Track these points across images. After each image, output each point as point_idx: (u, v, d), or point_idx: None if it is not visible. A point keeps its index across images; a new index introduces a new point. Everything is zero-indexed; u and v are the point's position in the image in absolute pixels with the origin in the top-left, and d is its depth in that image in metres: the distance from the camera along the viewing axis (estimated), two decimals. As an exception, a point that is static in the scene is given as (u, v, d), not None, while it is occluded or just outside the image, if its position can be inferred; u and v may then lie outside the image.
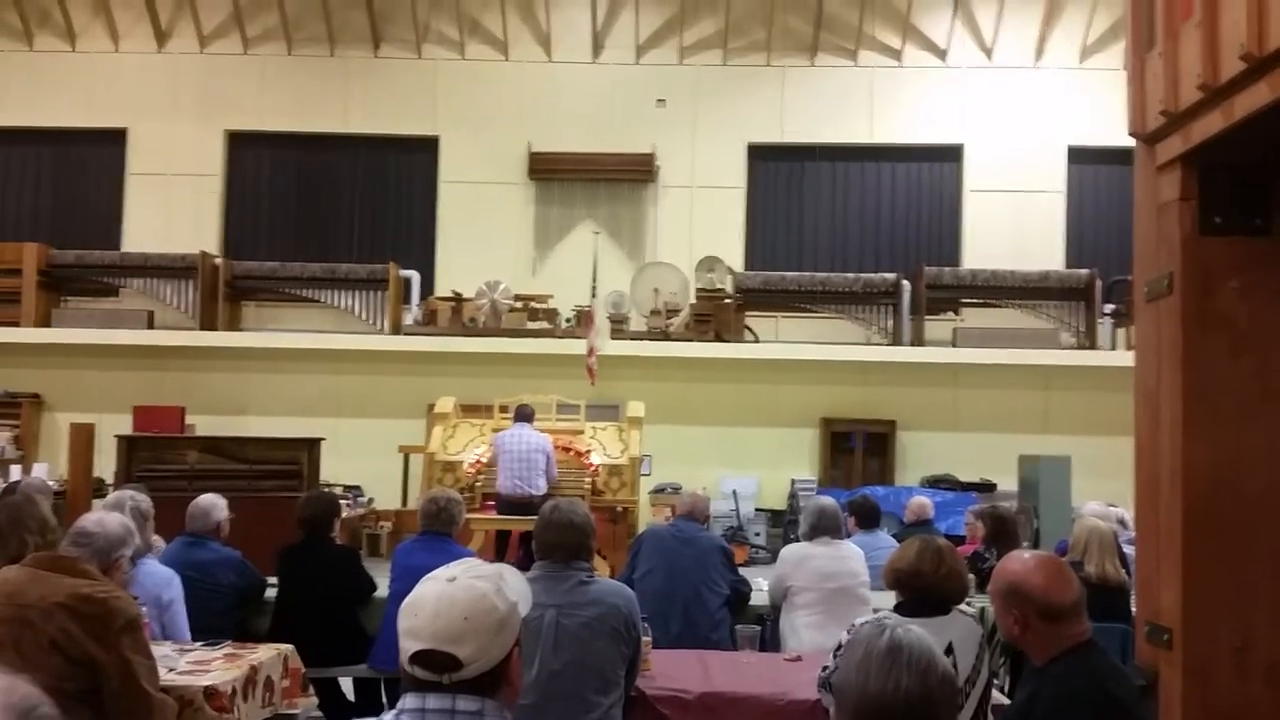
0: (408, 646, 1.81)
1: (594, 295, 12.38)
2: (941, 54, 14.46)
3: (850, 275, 13.61)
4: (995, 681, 4.08)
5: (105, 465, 10.65)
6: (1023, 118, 14.31)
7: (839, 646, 3.64)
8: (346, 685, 5.81)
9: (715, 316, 13.37)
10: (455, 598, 1.81)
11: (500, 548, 9.37)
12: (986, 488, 12.43)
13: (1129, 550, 5.40)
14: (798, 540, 5.77)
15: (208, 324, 13.51)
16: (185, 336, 13.45)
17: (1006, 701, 3.87)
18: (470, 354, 13.07)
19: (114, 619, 3.13)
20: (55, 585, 3.15)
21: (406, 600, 1.85)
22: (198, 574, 5.10)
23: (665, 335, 13.39)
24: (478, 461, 9.75)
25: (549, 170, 14.36)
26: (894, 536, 7.02)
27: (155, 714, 3.18)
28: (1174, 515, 2.09)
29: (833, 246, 14.68)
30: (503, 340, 13.15)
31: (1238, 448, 2.06)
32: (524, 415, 9.51)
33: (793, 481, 13.04)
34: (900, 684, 1.73)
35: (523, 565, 3.59)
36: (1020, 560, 2.88)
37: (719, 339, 13.30)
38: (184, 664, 4.00)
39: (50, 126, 14.64)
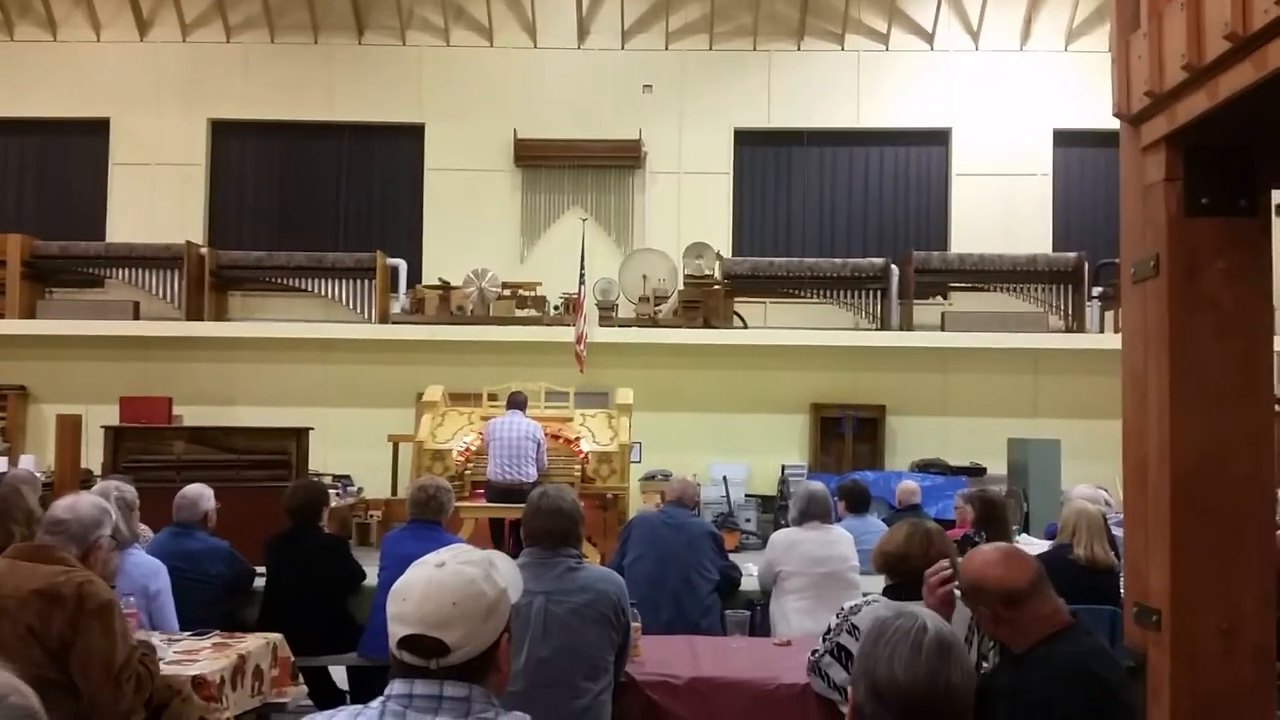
0: (396, 631, 1.80)
1: (582, 282, 12.36)
2: (928, 38, 14.45)
3: (838, 260, 13.61)
4: (985, 664, 4.09)
5: (92, 456, 10.64)
6: (1009, 101, 14.32)
7: (828, 630, 3.66)
8: (338, 674, 5.80)
9: (704, 303, 13.37)
10: (444, 583, 1.80)
11: (496, 535, 9.34)
12: (976, 472, 12.47)
13: (1118, 533, 5.42)
14: (787, 525, 5.78)
15: (194, 314, 13.47)
16: (171, 327, 13.40)
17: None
18: (458, 342, 13.06)
19: (85, 603, 3.16)
20: (31, 574, 3.18)
21: (395, 585, 1.85)
22: (185, 564, 5.08)
23: (654, 322, 13.39)
24: (467, 449, 9.74)
25: (535, 157, 14.32)
26: (884, 521, 7.03)
27: (127, 698, 3.19)
28: (1161, 497, 2.09)
29: (820, 232, 14.68)
30: (491, 328, 13.14)
31: (1224, 429, 2.06)
32: (516, 403, 9.50)
33: (783, 467, 13.07)
34: (951, 679, 1.81)
35: (515, 553, 3.58)
36: (978, 556, 2.91)
37: (708, 325, 13.30)
38: (172, 654, 3.99)
39: (32, 117, 14.54)
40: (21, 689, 1.27)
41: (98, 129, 14.60)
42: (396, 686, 1.81)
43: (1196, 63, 1.88)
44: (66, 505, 3.54)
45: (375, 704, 1.81)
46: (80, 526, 3.45)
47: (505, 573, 1.88)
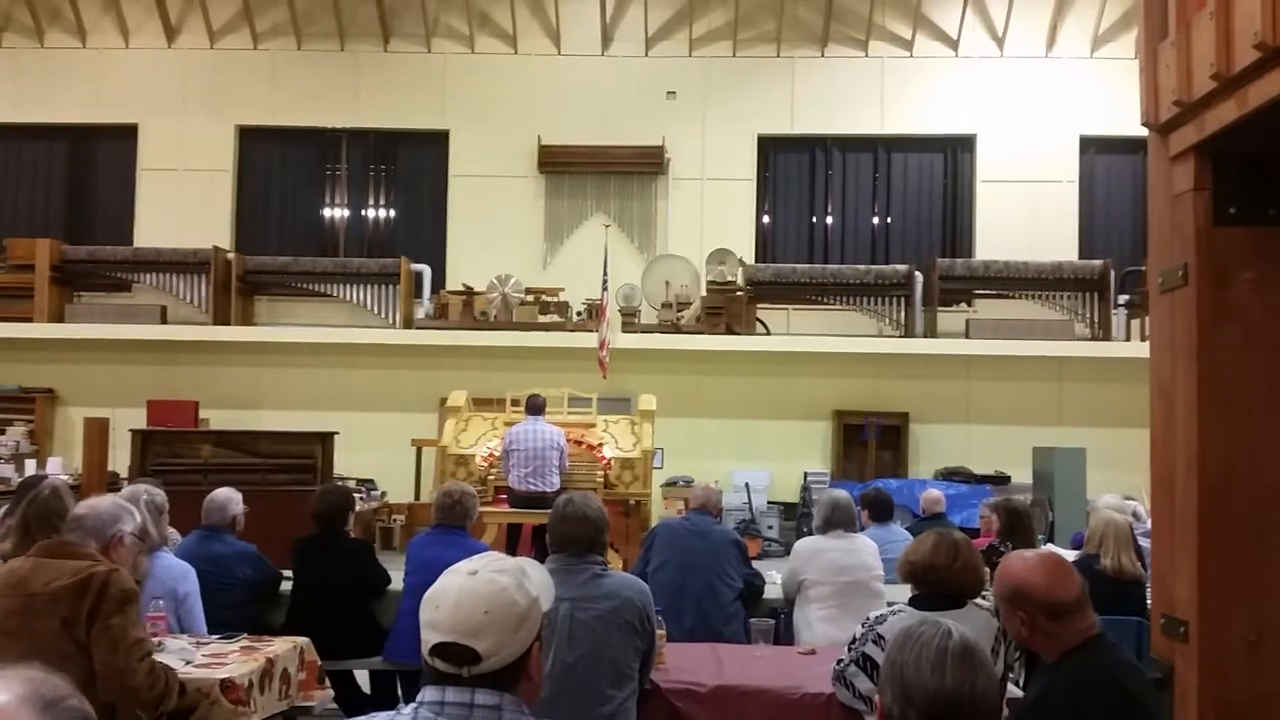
0: (428, 638, 1.82)
1: (605, 288, 12.37)
2: (953, 44, 14.41)
3: (862, 267, 13.58)
4: (1010, 675, 4.08)
5: (119, 459, 10.72)
6: (1035, 108, 14.25)
7: (853, 640, 3.65)
8: (362, 678, 5.83)
9: (726, 309, 13.36)
10: (476, 591, 1.82)
11: (512, 540, 9.37)
12: (1001, 480, 12.39)
13: (1144, 543, 5.39)
14: (811, 533, 5.77)
15: (221, 319, 13.56)
16: (198, 331, 13.51)
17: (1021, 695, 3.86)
18: (482, 347, 13.10)
19: (107, 591, 3.21)
20: (58, 570, 3.24)
21: (428, 592, 1.86)
22: (213, 567, 5.13)
23: (676, 328, 13.39)
24: (490, 455, 9.77)
25: (559, 163, 14.36)
26: (907, 529, 7.02)
27: (143, 691, 3.23)
28: (1189, 507, 2.09)
29: (844, 238, 14.66)
30: (514, 334, 13.17)
31: (1252, 440, 2.06)
32: (535, 407, 9.46)
33: (805, 474, 13.04)
34: (975, 685, 1.86)
35: (535, 559, 3.58)
36: (1021, 561, 2.89)
37: (730, 331, 13.29)
38: (200, 657, 4.02)
39: (62, 123, 14.70)
40: (75, 693, 1.28)
41: (126, 135, 14.73)
42: (428, 693, 1.82)
43: (1225, 72, 1.88)
44: (88, 504, 3.61)
45: (407, 710, 1.83)
46: (99, 521, 3.50)
47: (537, 581, 1.89)
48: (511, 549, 9.00)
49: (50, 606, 3.17)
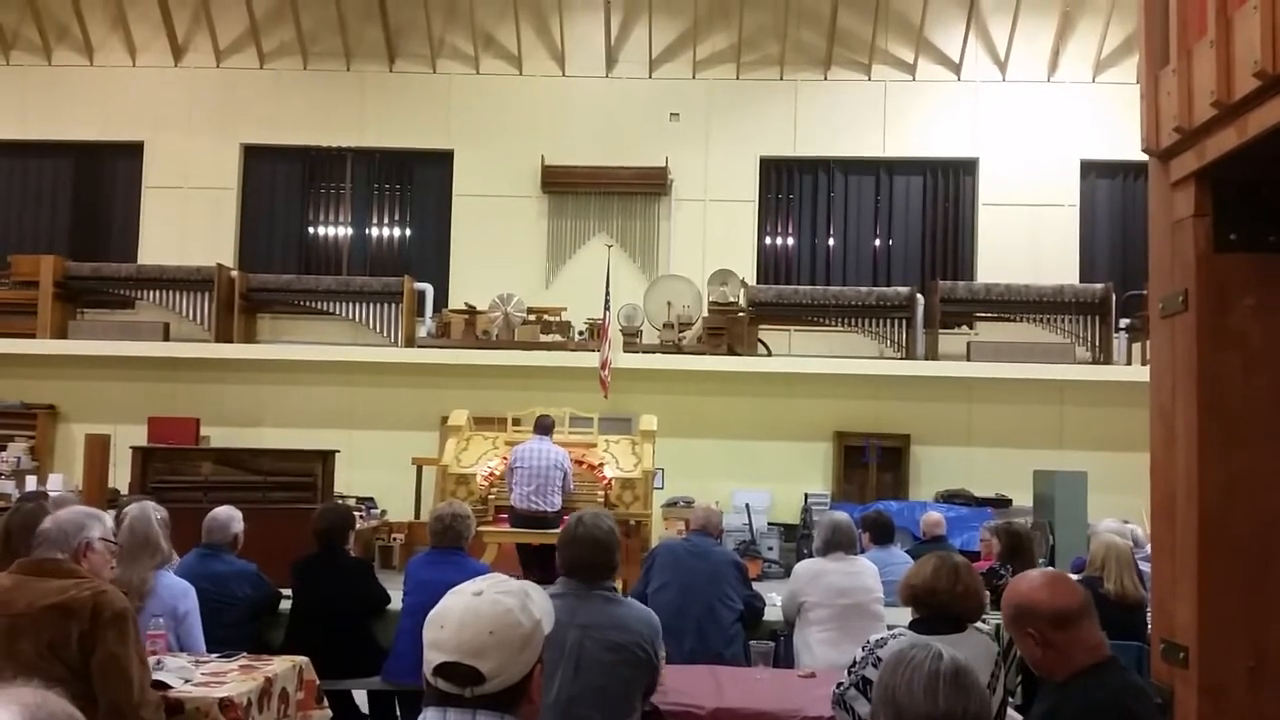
0: (432, 658, 1.82)
1: (607, 308, 12.39)
2: (955, 68, 14.47)
3: (864, 289, 13.60)
4: (1011, 700, 4.06)
5: (120, 476, 10.71)
6: (1036, 132, 14.30)
7: (853, 663, 3.64)
8: (360, 698, 5.81)
9: (728, 330, 13.38)
10: (481, 611, 1.82)
11: (526, 563, 9.26)
12: (1001, 503, 12.38)
13: (1145, 567, 5.38)
14: (811, 555, 5.76)
15: (223, 336, 13.58)
16: (200, 348, 13.52)
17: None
18: (483, 366, 13.11)
19: (101, 613, 3.13)
20: (43, 590, 3.16)
21: (432, 612, 1.86)
22: (212, 586, 5.12)
23: (678, 348, 13.40)
24: (490, 474, 9.76)
25: (562, 183, 14.40)
26: (908, 552, 7.01)
27: (144, 710, 3.18)
28: (1189, 532, 2.09)
29: (846, 260, 14.69)
30: (516, 353, 13.18)
31: (1252, 465, 2.06)
32: (544, 427, 9.44)
33: (806, 495, 13.02)
34: (969, 708, 1.88)
35: (539, 579, 3.52)
36: (1024, 581, 2.90)
37: (732, 352, 13.30)
38: (200, 675, 4.01)
39: (68, 140, 14.76)
40: (75, 713, 1.25)
41: (132, 152, 14.79)
42: (430, 715, 1.82)
43: (1225, 99, 1.89)
44: (51, 516, 3.52)
45: None
46: (61, 533, 3.40)
47: (540, 604, 1.89)
48: (527, 569, 8.94)
49: (34, 628, 3.09)
